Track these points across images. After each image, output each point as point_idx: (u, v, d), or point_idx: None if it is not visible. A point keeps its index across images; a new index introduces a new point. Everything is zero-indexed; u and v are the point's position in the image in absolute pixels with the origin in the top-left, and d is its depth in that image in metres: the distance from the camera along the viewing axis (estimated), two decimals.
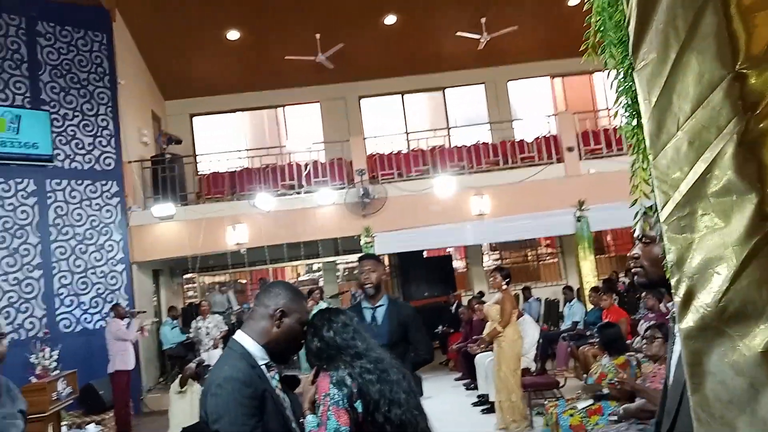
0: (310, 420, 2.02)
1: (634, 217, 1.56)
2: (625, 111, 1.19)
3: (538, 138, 11.27)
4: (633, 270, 1.74)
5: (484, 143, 11.53)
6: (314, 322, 2.14)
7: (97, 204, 9.31)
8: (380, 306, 3.54)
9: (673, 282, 1.03)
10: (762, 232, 0.77)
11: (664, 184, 1.02)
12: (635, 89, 1.06)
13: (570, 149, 10.67)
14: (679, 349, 1.29)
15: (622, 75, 1.16)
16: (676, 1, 0.87)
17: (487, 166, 11.04)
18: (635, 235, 1.71)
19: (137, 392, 9.17)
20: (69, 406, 6.66)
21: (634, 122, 1.17)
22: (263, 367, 1.99)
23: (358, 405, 1.93)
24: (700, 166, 0.88)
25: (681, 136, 0.93)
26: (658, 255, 1.52)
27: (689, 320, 0.98)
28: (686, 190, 0.93)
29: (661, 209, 1.04)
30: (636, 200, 1.44)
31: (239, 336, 2.03)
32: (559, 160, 10.74)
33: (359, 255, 4.07)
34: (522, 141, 11.54)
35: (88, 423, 7.42)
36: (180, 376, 6.35)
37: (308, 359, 2.14)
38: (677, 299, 1.02)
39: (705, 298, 0.92)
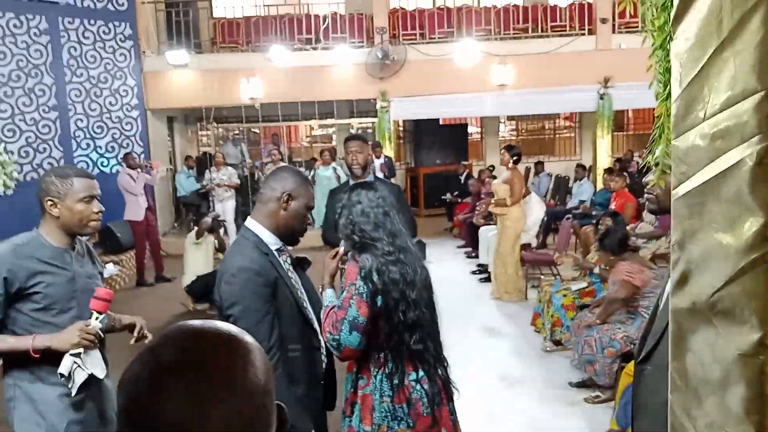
0: (329, 294, 2.15)
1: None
2: (659, 76, 1.15)
3: (572, 4, 10.62)
4: (646, 197, 1.77)
5: (514, 5, 10.89)
6: (350, 201, 2.18)
7: (110, 46, 9.10)
8: None
9: (672, 258, 1.06)
10: (761, 251, 0.79)
11: (683, 165, 1.01)
12: (669, 61, 1.02)
13: (604, 21, 10.10)
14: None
15: (659, 43, 1.10)
16: None
17: (514, 32, 10.52)
18: (649, 161, 1.71)
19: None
20: None
21: (664, 91, 1.13)
22: (275, 252, 2.07)
23: (379, 300, 2.03)
24: (717, 166, 0.88)
25: (706, 127, 0.91)
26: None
27: (681, 300, 1.03)
28: (700, 183, 0.93)
29: (675, 187, 1.04)
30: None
31: (250, 223, 2.09)
32: (591, 32, 10.22)
33: (347, 136, 4.06)
34: (555, 6, 10.88)
35: (107, 262, 7.86)
36: (196, 228, 6.65)
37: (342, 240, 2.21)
38: (674, 275, 1.06)
39: (699, 288, 0.97)
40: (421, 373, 2.08)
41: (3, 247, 2.09)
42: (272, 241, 2.06)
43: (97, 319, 2.08)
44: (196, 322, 0.71)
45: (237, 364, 0.68)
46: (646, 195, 1.67)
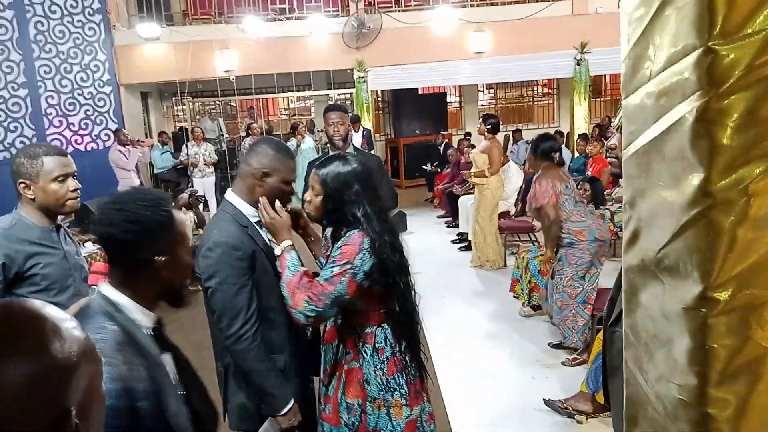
0: (293, 258, 2.00)
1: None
2: None
3: None
4: (609, 159, 1.79)
5: None
6: (339, 182, 1.98)
7: (79, 21, 8.87)
8: None
9: (624, 218, 1.08)
10: (701, 206, 0.81)
11: (631, 124, 1.02)
12: None
13: None
14: None
15: None
16: None
17: None
18: (613, 125, 1.72)
19: None
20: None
21: None
22: (256, 224, 2.07)
23: (365, 283, 1.95)
24: (661, 124, 0.89)
25: (651, 87, 0.92)
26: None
27: (632, 258, 1.05)
28: (646, 141, 0.94)
29: (625, 148, 1.05)
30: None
31: (230, 195, 2.09)
32: None
33: (327, 105, 3.95)
34: None
35: (86, 241, 7.78)
36: (174, 205, 6.60)
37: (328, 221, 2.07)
38: (625, 233, 1.08)
39: (647, 244, 0.99)
40: (404, 343, 2.09)
41: None
42: (252, 213, 2.06)
43: None
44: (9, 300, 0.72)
45: (20, 332, 0.67)
46: (608, 158, 1.69)
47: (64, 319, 0.72)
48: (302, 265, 2.01)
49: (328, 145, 3.73)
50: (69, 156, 2.15)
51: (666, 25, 0.85)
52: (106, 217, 1.28)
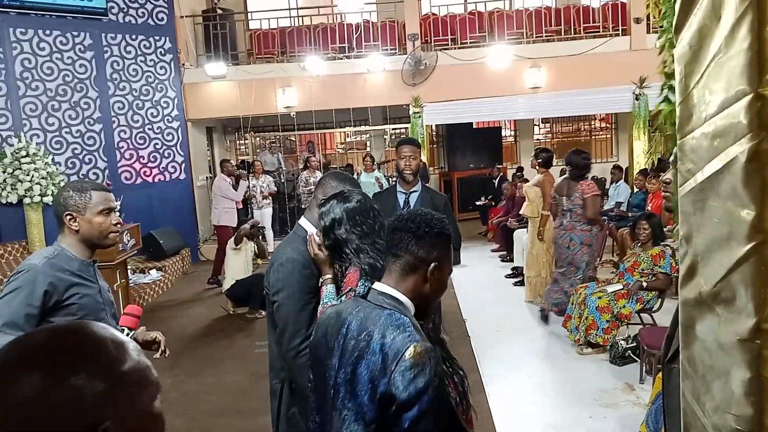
0: (330, 291, 2.09)
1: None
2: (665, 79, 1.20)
3: (605, 4, 10.53)
4: (663, 194, 1.81)
5: (546, 8, 10.85)
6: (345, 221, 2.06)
7: (151, 60, 9.43)
8: (414, 192, 3.58)
9: (680, 252, 1.12)
10: (754, 242, 0.85)
11: (688, 163, 1.07)
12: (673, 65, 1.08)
13: (638, 20, 9.98)
14: None
15: (667, 45, 1.16)
16: (716, 1, 0.87)
17: (547, 35, 10.48)
18: (670, 159, 1.75)
19: (194, 242, 9.89)
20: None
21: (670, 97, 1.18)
22: None
23: None
24: (716, 164, 0.94)
25: (706, 128, 0.97)
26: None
27: (689, 291, 1.09)
28: (702, 179, 0.99)
29: (681, 185, 1.10)
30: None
31: (302, 221, 2.28)
32: (624, 32, 10.12)
33: (400, 138, 3.94)
34: (588, 7, 10.81)
35: (151, 268, 8.15)
36: (235, 235, 6.85)
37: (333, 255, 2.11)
38: (682, 268, 1.12)
39: (704, 278, 1.02)
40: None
41: (37, 261, 2.08)
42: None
43: (128, 335, 2.06)
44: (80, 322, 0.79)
45: (89, 350, 0.73)
46: (662, 193, 1.71)
47: (127, 341, 0.78)
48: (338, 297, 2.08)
49: (397, 179, 3.71)
50: (111, 192, 2.28)
51: (720, 72, 0.90)
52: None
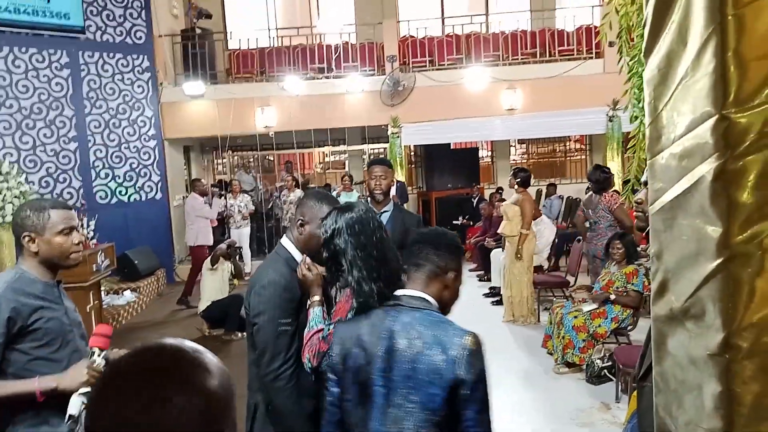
0: (317, 313, 2.05)
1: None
2: (633, 101, 1.24)
3: (579, 28, 10.78)
4: (635, 213, 1.85)
5: (522, 31, 11.07)
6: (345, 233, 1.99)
7: (128, 79, 9.38)
8: (385, 212, 3.53)
9: (652, 269, 1.14)
10: (721, 258, 0.88)
11: (657, 182, 1.10)
12: (642, 83, 1.12)
13: (611, 44, 10.19)
14: None
15: (634, 69, 1.20)
16: (683, 27, 0.91)
17: (523, 57, 10.68)
18: (642, 180, 1.79)
19: (170, 263, 9.77)
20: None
21: (639, 114, 1.22)
22: None
23: None
24: (684, 184, 0.97)
25: (675, 149, 1.00)
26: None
27: (660, 307, 1.11)
28: (670, 198, 1.02)
29: (651, 203, 1.13)
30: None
31: (284, 240, 2.23)
32: (598, 55, 10.35)
33: (372, 159, 3.96)
34: (562, 31, 11.05)
35: (125, 289, 8.02)
36: (211, 255, 6.78)
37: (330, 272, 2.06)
38: (654, 285, 1.14)
39: (675, 295, 1.05)
40: None
41: None
42: (301, 259, 2.15)
43: (99, 355, 1.99)
44: (168, 340, 0.80)
45: (186, 369, 0.75)
46: (634, 212, 1.75)
47: (213, 355, 0.81)
48: (325, 320, 2.05)
49: (369, 198, 3.70)
50: (73, 210, 2.14)
51: (687, 95, 0.94)
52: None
